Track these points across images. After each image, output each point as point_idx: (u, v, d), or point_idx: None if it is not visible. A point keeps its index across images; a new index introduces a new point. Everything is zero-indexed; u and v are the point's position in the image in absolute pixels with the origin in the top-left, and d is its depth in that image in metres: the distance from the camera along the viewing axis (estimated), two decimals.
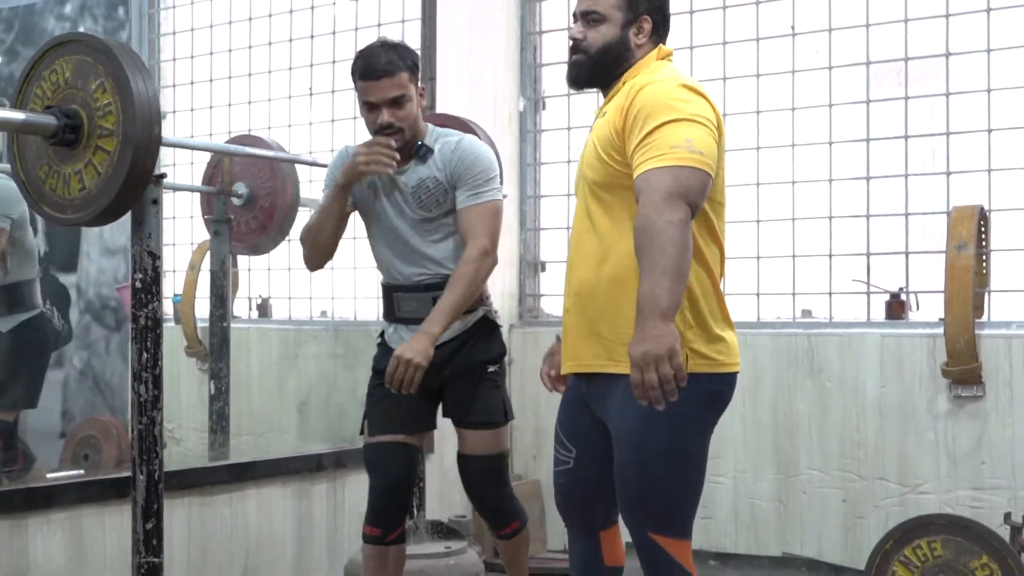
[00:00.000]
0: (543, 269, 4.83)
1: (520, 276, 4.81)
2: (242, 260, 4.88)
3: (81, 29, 5.76)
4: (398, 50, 3.02)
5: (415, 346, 2.88)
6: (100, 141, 2.53)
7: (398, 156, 2.99)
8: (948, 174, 3.98)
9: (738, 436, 4.21)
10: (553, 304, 4.85)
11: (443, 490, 4.31)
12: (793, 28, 4.26)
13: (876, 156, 4.13)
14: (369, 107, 3.00)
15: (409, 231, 3.07)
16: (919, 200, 4.05)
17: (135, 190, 2.54)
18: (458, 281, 2.97)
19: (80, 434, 5.53)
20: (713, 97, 2.40)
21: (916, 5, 4.05)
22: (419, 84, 3.07)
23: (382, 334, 3.24)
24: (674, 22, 2.60)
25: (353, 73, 3.04)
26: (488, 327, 3.19)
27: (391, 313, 3.16)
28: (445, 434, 3.63)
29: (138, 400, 2.74)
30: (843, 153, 4.19)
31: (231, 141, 4.47)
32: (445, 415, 3.23)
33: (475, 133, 3.64)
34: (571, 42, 2.48)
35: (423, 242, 3.07)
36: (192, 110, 5.40)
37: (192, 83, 5.45)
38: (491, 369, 3.17)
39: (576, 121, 4.74)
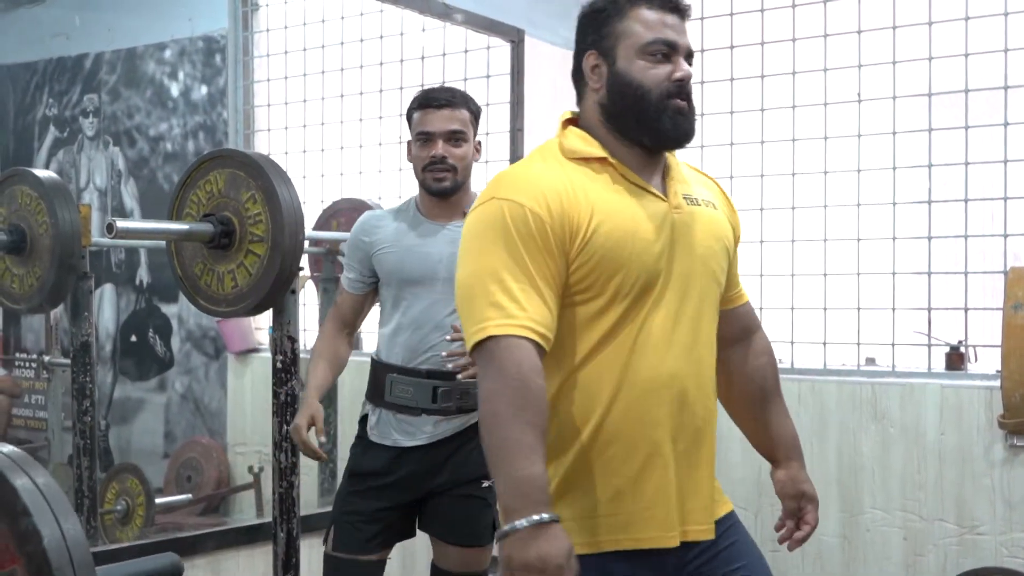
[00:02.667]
0: None
1: None
2: None
3: (180, 74, 6.15)
4: (463, 93, 2.90)
5: None
6: (251, 246, 2.89)
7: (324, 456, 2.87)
8: (1006, 236, 4.24)
9: None
10: None
11: None
12: (859, 95, 4.52)
13: (938, 217, 4.39)
14: (424, 139, 2.81)
15: (438, 297, 2.83)
16: (978, 259, 4.31)
17: (282, 289, 2.89)
18: None
19: (183, 456, 5.93)
20: None
21: (977, 109, 4.31)
22: (477, 138, 2.89)
23: (363, 420, 2.97)
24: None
25: (411, 108, 2.89)
26: None
27: (378, 395, 2.89)
28: None
29: (279, 466, 3.09)
30: (906, 213, 4.45)
31: (334, 206, 4.81)
32: (424, 528, 3.00)
33: None
34: (676, 84, 1.96)
35: (446, 309, 2.80)
36: (286, 154, 5.74)
37: (286, 128, 5.79)
38: (485, 484, 2.84)
39: None
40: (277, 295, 2.90)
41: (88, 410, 3.46)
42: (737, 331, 2.20)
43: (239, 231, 2.90)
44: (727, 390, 2.19)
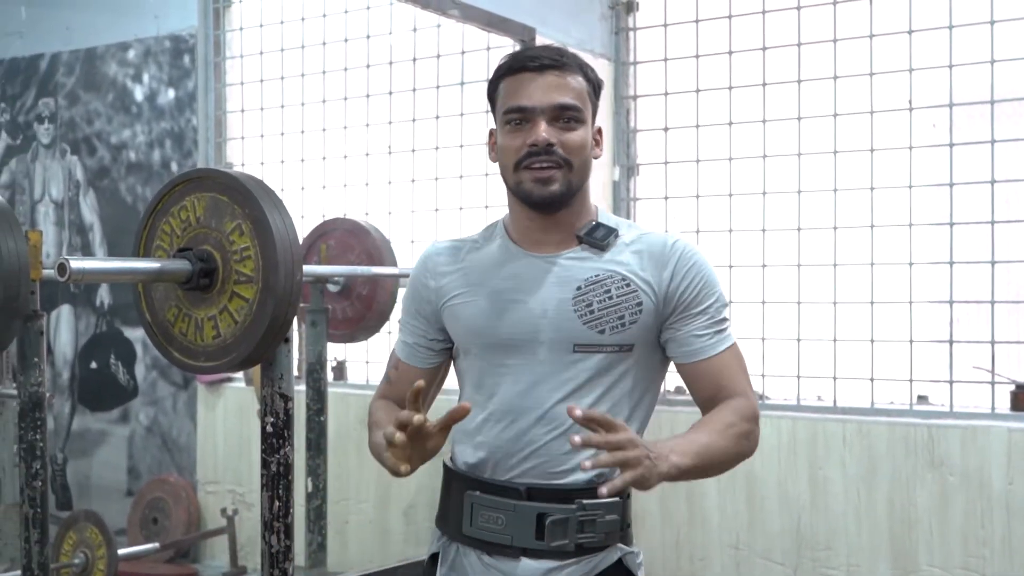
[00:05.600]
0: None
1: None
2: None
3: (145, 76, 5.63)
4: (576, 56, 1.96)
5: (654, 453, 1.68)
6: (237, 287, 2.37)
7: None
8: None
9: (852, 528, 4.03)
10: None
11: None
12: (911, 103, 4.06)
13: (1001, 239, 3.92)
14: (518, 120, 1.86)
15: (541, 370, 1.86)
16: None
17: (275, 340, 2.37)
18: (728, 427, 1.82)
19: (148, 496, 5.42)
20: None
21: None
22: (596, 120, 1.95)
23: (432, 561, 2.00)
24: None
25: (496, 77, 1.99)
26: None
27: (453, 524, 1.92)
28: None
29: (269, 551, 2.57)
30: (966, 234, 3.98)
31: (323, 226, 4.29)
32: None
33: None
34: None
35: (557, 392, 1.85)
36: (262, 164, 5.26)
37: (262, 136, 5.30)
38: None
39: (672, 190, 4.56)
40: (269, 346, 2.38)
41: (39, 473, 2.93)
42: None
43: (222, 269, 2.38)
44: None
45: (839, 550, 4.06)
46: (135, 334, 5.67)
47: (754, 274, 4.32)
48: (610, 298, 1.85)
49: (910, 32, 4.04)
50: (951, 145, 3.99)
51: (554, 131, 1.84)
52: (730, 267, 4.36)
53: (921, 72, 4.04)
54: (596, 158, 1.93)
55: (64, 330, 5.98)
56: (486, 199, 4.49)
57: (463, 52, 4.63)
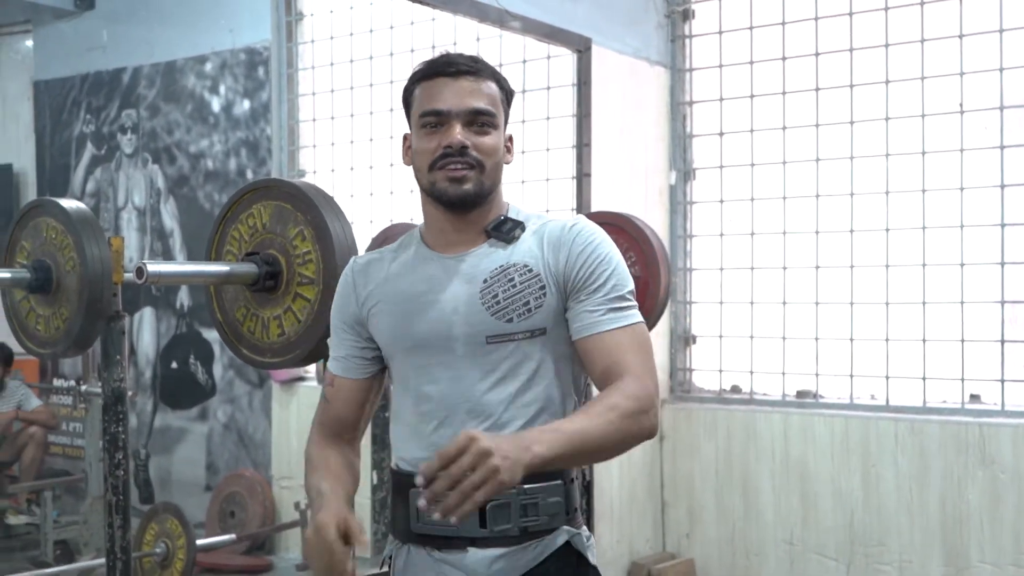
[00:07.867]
0: (693, 342, 4.77)
1: (671, 350, 4.75)
2: None
3: (221, 88, 5.86)
4: (488, 63, 1.98)
5: (505, 447, 1.63)
6: (300, 289, 2.55)
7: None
8: None
9: (904, 525, 4.10)
10: (704, 378, 4.77)
11: None
12: (961, 105, 4.12)
13: None
14: (433, 123, 1.88)
15: (462, 363, 1.89)
16: None
17: None
18: (608, 410, 1.78)
19: (225, 490, 5.63)
20: None
21: None
22: (507, 125, 1.97)
23: (389, 564, 2.02)
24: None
25: (411, 82, 1.97)
26: (576, 567, 1.92)
27: (404, 524, 1.93)
28: None
29: None
30: (1016, 236, 4.04)
31: (388, 230, 4.45)
32: None
33: (643, 233, 3.58)
34: None
35: (481, 383, 1.88)
36: (333, 171, 5.44)
37: (333, 144, 5.48)
38: None
39: (728, 194, 4.67)
40: None
41: (121, 463, 3.12)
42: None
43: (286, 272, 2.56)
44: None
45: (892, 546, 4.13)
46: (213, 335, 5.88)
47: (807, 276, 4.41)
48: (513, 286, 1.88)
49: (961, 36, 4.10)
50: (1002, 147, 4.04)
51: (468, 134, 1.86)
52: (784, 268, 4.45)
53: (972, 75, 4.10)
54: (507, 163, 1.96)
55: (146, 331, 6.24)
56: (547, 203, 4.62)
57: (524, 61, 4.76)
